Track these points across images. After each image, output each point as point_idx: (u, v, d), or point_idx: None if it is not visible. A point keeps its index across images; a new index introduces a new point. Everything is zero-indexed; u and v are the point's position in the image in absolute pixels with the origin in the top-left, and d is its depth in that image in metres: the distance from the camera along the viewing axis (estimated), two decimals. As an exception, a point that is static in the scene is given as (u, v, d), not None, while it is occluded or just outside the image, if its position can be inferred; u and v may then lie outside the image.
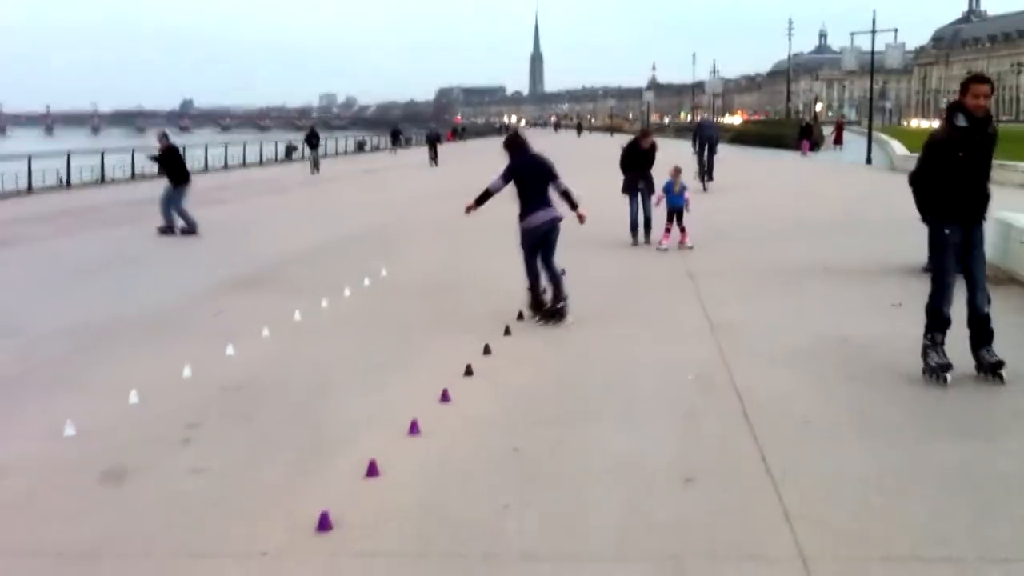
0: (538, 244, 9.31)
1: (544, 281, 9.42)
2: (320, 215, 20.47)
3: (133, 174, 36.51)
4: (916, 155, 8.16)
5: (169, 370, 7.48)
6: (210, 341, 8.47)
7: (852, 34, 46.82)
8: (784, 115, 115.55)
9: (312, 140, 40.39)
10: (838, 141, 52.96)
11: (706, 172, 25.25)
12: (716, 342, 8.27)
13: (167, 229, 16.62)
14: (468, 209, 9.61)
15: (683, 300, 10.28)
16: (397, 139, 64.48)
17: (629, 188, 15.05)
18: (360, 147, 69.20)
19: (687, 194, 14.61)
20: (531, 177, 9.37)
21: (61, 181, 32.10)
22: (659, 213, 14.65)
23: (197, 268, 12.89)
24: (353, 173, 37.38)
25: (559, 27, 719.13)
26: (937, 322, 6.94)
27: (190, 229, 16.63)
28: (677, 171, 14.95)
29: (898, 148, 40.18)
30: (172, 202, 16.87)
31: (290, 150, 58.44)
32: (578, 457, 5.58)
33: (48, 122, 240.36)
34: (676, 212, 14.44)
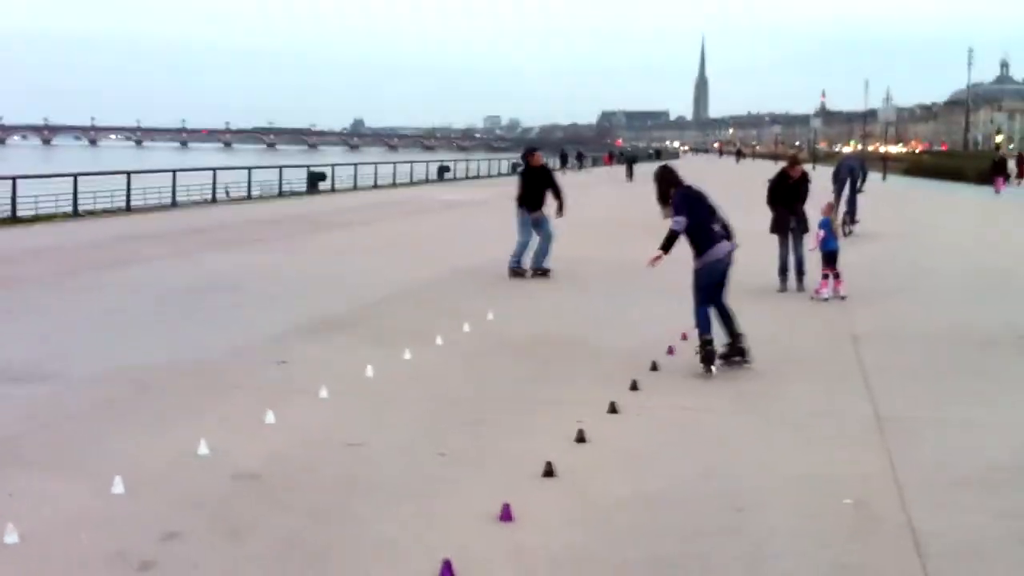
0: (716, 282, 8.35)
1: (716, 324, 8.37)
2: (450, 242, 19.13)
3: (281, 191, 36.51)
4: None
5: (186, 444, 6.08)
6: (255, 401, 7.06)
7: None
8: (962, 147, 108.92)
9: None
10: (1022, 175, 48.74)
11: (848, 214, 21.90)
12: (885, 447, 6.27)
13: (517, 270, 13.83)
14: (654, 261, 8.40)
15: (842, 376, 8.24)
16: (565, 160, 64.96)
17: (778, 227, 13.00)
18: (514, 169, 68.59)
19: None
20: (702, 208, 8.43)
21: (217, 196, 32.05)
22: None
23: (287, 302, 11.62)
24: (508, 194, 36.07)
25: (725, 51, 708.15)
26: None
27: (525, 267, 13.79)
28: (830, 207, 12.94)
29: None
30: (526, 237, 13.95)
31: (444, 170, 58.14)
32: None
33: (227, 138, 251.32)
34: (831, 256, 12.38)
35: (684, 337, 9.21)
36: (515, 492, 5.28)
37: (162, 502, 5.21)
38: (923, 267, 15.81)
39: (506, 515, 4.97)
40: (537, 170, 14.52)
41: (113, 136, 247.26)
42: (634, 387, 7.58)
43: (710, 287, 8.39)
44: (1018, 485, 5.63)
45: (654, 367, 8.25)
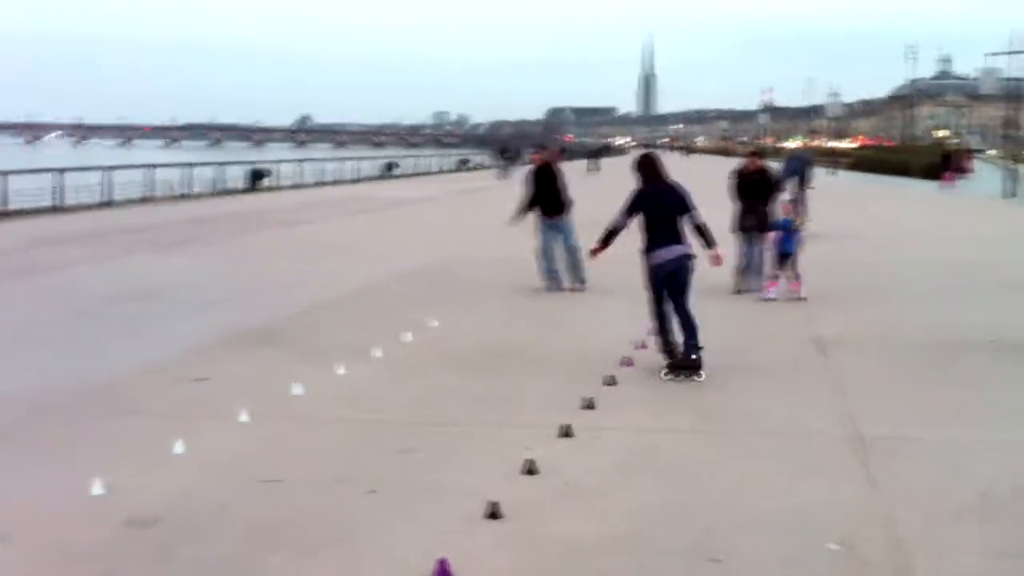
0: (663, 285, 7.95)
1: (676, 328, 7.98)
2: (394, 242, 18.34)
3: (221, 189, 35.27)
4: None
5: (78, 481, 5.27)
6: (165, 428, 6.27)
7: (988, 55, 42.23)
8: (903, 141, 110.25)
9: (504, 153, 52.88)
10: (966, 170, 49.14)
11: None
12: (867, 471, 5.65)
13: (552, 283, 12.22)
14: (594, 252, 8.52)
15: (812, 388, 7.63)
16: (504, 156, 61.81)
17: (737, 224, 12.42)
18: (462, 164, 67.67)
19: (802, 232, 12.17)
20: (659, 207, 8.02)
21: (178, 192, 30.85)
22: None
23: (215, 310, 10.79)
24: (467, 191, 35.25)
25: (672, 47, 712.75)
26: None
27: (552, 281, 12.21)
28: (791, 205, 12.38)
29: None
30: (544, 243, 12.33)
31: (391, 166, 57.15)
32: None
33: (172, 135, 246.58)
34: (787, 256, 11.83)
35: (643, 346, 8.57)
36: (454, 540, 4.58)
37: (37, 557, 4.43)
38: (882, 265, 15.35)
39: (442, 572, 4.25)
40: (542, 169, 12.70)
41: (54, 134, 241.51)
42: (589, 406, 6.90)
43: (658, 290, 7.99)
44: (1019, 516, 5.03)
45: (611, 381, 7.57)
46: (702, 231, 8.14)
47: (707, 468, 5.72)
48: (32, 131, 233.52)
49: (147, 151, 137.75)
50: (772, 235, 12.06)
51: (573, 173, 45.36)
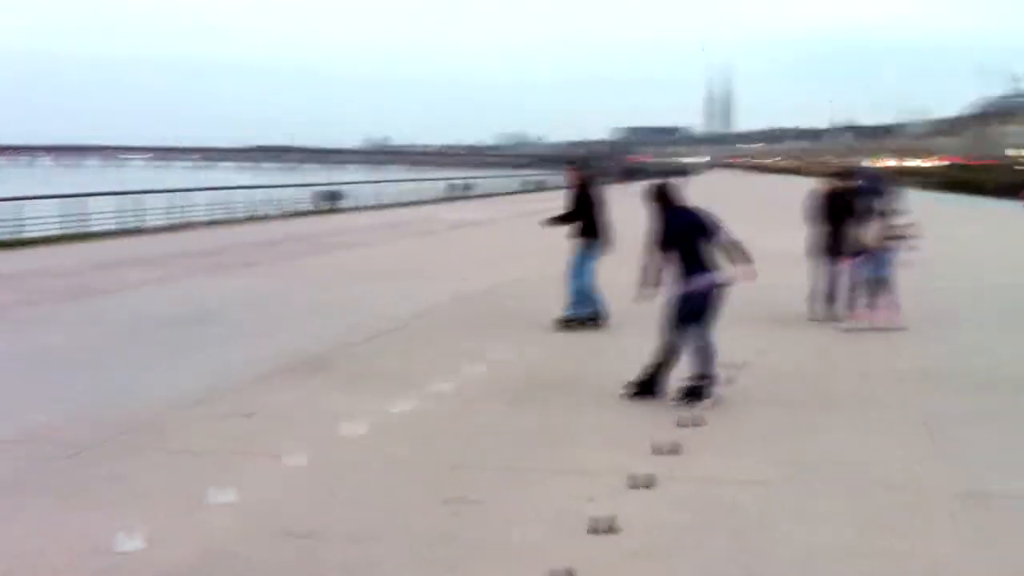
0: (696, 316, 7.53)
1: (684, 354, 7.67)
2: (457, 265, 17.94)
3: (290, 211, 35.38)
4: None
5: (101, 534, 4.84)
6: (202, 471, 5.85)
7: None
8: (999, 160, 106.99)
9: None
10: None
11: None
12: (982, 540, 4.93)
13: (589, 318, 10.95)
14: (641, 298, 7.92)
15: (903, 433, 6.89)
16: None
17: (816, 248, 11.71)
18: (533, 184, 67.41)
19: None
20: (683, 235, 7.61)
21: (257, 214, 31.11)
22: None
23: (268, 336, 10.39)
24: (535, 212, 34.84)
25: (744, 66, 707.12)
26: None
27: (591, 316, 10.96)
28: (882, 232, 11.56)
29: None
30: (579, 271, 11.06)
31: (458, 187, 57.15)
32: None
33: (251, 157, 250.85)
34: (880, 282, 11.05)
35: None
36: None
37: (42, 630, 3.97)
38: (981, 291, 14.37)
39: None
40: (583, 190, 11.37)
41: (138, 156, 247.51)
42: (660, 450, 6.29)
43: (687, 318, 7.56)
44: None
45: (685, 421, 6.95)
46: (734, 248, 7.70)
47: (794, 531, 5.04)
48: (117, 153, 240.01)
49: (226, 173, 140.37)
50: (852, 260, 11.32)
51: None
